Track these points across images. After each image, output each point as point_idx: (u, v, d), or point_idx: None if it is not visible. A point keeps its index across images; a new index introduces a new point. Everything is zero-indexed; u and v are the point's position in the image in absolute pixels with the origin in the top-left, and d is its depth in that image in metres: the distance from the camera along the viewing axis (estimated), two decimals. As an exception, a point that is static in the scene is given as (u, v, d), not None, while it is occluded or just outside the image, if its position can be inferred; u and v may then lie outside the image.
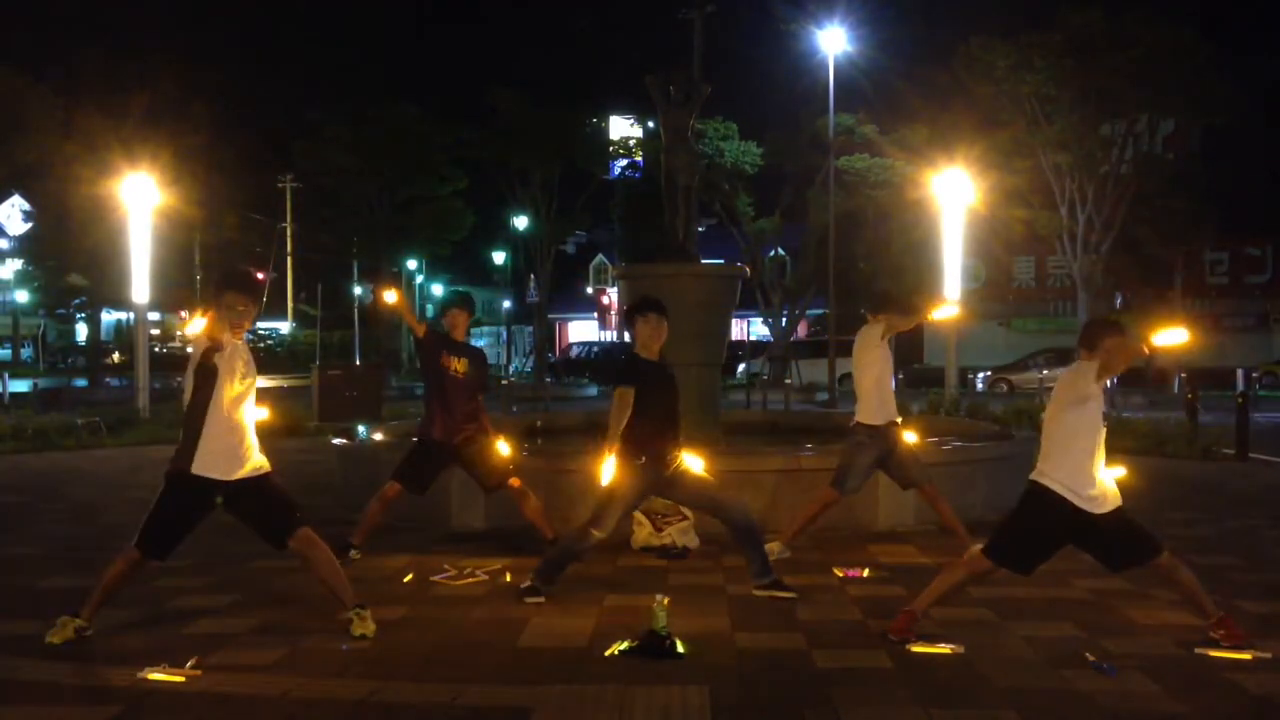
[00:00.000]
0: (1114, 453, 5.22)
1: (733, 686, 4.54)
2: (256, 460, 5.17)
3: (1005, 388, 32.27)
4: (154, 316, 39.97)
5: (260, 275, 52.78)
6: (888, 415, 6.87)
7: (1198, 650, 4.94)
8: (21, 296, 50.25)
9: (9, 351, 53.69)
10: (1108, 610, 5.73)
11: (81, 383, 34.93)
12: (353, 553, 6.85)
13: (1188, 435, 14.22)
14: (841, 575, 6.57)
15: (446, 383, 7.00)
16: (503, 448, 7.11)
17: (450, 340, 7.14)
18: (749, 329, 47.31)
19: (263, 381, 5.39)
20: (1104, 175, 30.37)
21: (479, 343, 7.62)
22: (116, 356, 47.66)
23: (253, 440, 5.17)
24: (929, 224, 24.87)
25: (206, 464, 5.06)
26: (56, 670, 4.73)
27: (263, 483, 5.18)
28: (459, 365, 7.01)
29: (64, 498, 10.15)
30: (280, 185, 52.73)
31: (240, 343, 5.12)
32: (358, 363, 41.99)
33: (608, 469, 5.74)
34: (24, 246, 41.76)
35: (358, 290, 53.13)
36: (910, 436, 7.22)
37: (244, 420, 5.13)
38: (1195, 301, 39.24)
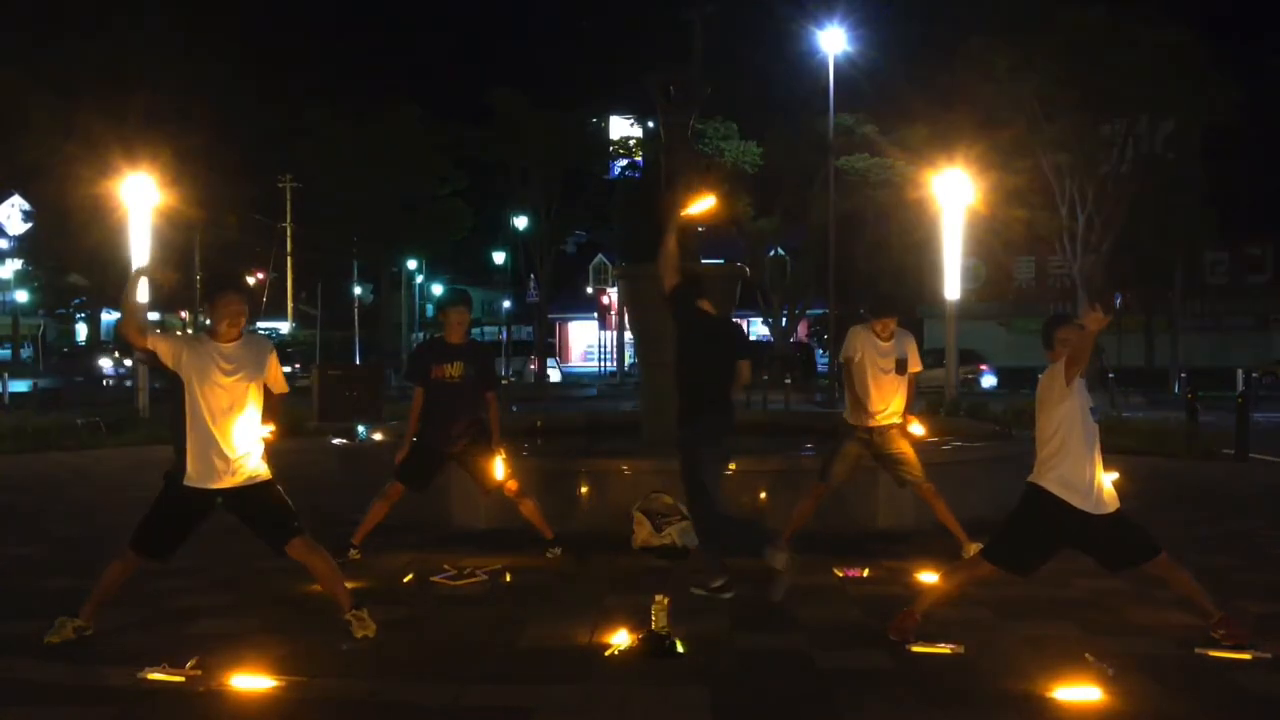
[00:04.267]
0: (1113, 453, 5.23)
1: (733, 686, 4.54)
2: (253, 469, 5.07)
3: None
4: (154, 316, 39.90)
5: (260, 275, 52.95)
6: (865, 417, 6.93)
7: (1198, 650, 4.94)
8: (21, 296, 50.26)
9: (9, 351, 53.69)
10: (1108, 610, 5.73)
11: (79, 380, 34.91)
12: (352, 552, 6.85)
13: (1188, 435, 14.22)
14: (841, 575, 6.57)
15: (442, 393, 6.76)
16: (498, 468, 6.86)
17: (441, 347, 6.85)
18: (749, 329, 47.28)
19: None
20: (1104, 175, 30.34)
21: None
22: (116, 356, 47.64)
23: (248, 449, 5.04)
24: (929, 224, 24.87)
25: (196, 474, 4.99)
26: (56, 670, 4.73)
27: (261, 490, 5.11)
28: (453, 370, 6.74)
29: (64, 498, 10.15)
30: (280, 185, 52.74)
31: (226, 346, 5.00)
32: (358, 363, 42.03)
33: None
34: (24, 246, 41.78)
35: (357, 290, 53.11)
36: (917, 429, 7.23)
37: (235, 429, 4.98)
38: (1195, 302, 39.22)
